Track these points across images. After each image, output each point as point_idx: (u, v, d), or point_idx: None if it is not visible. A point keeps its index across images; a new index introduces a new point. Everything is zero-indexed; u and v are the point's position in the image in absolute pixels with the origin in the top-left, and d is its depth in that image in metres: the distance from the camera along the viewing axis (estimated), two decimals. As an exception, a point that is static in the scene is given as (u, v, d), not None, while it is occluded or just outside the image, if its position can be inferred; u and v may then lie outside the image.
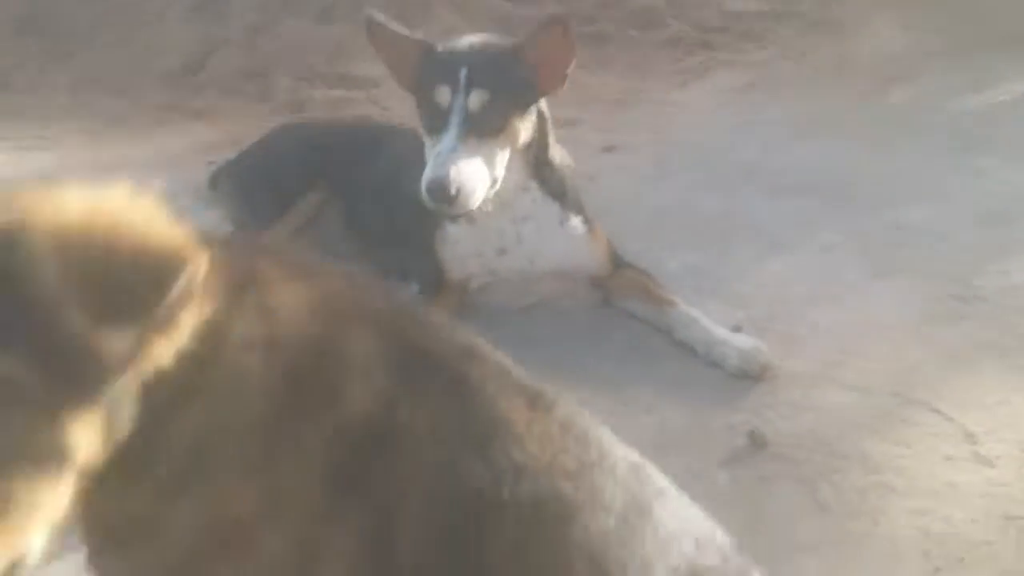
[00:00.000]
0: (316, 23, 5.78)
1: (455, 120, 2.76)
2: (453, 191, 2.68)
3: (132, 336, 1.09)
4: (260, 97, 5.29)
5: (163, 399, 1.22)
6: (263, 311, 1.30)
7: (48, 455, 1.10)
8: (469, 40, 2.96)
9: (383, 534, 1.33)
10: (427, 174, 2.74)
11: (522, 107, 2.85)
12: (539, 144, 2.98)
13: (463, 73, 2.77)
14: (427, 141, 2.86)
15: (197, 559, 1.31)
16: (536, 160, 2.98)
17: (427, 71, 2.86)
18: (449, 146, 2.73)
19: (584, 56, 2.99)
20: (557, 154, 3.11)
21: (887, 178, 4.11)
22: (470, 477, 1.36)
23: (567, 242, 3.12)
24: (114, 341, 1.08)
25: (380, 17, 2.96)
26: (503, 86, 2.79)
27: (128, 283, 1.08)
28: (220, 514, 1.29)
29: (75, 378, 1.09)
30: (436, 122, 2.80)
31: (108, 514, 1.29)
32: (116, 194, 1.16)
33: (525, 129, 2.89)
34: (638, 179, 4.26)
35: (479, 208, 2.84)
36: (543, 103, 2.97)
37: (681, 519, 1.51)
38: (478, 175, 2.76)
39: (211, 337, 1.23)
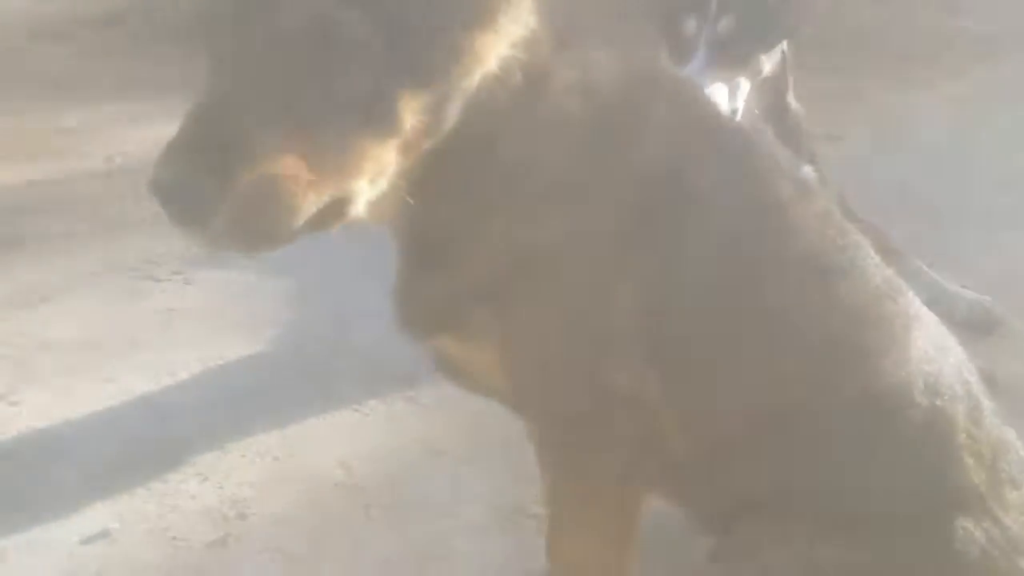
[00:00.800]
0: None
1: (702, 47, 2.85)
2: None
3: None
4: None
5: (490, 117, 1.41)
6: (582, 65, 1.49)
7: (380, 116, 1.29)
8: None
9: (670, 271, 1.49)
10: None
11: (768, 41, 2.91)
12: (778, 85, 3.03)
13: (713, 3, 2.86)
14: None
15: (502, 281, 1.48)
16: (773, 101, 3.03)
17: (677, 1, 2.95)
18: (696, 68, 2.81)
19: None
20: (793, 100, 3.16)
21: None
22: (749, 232, 1.53)
23: (798, 190, 3.14)
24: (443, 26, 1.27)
25: None
26: (752, 16, 2.85)
27: None
28: (528, 239, 1.46)
29: (410, 53, 1.28)
30: (682, 50, 2.89)
31: (427, 224, 1.48)
32: None
33: (768, 64, 2.95)
34: (860, 166, 4.28)
35: None
36: (785, 44, 3.03)
37: (925, 309, 1.68)
38: (723, 101, 2.84)
39: (538, 79, 1.43)
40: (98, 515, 2.22)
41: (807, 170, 3.18)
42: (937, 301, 3.00)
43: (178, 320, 3.13)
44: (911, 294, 1.69)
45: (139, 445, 2.46)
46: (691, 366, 1.56)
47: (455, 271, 1.50)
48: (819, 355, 1.56)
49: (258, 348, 2.98)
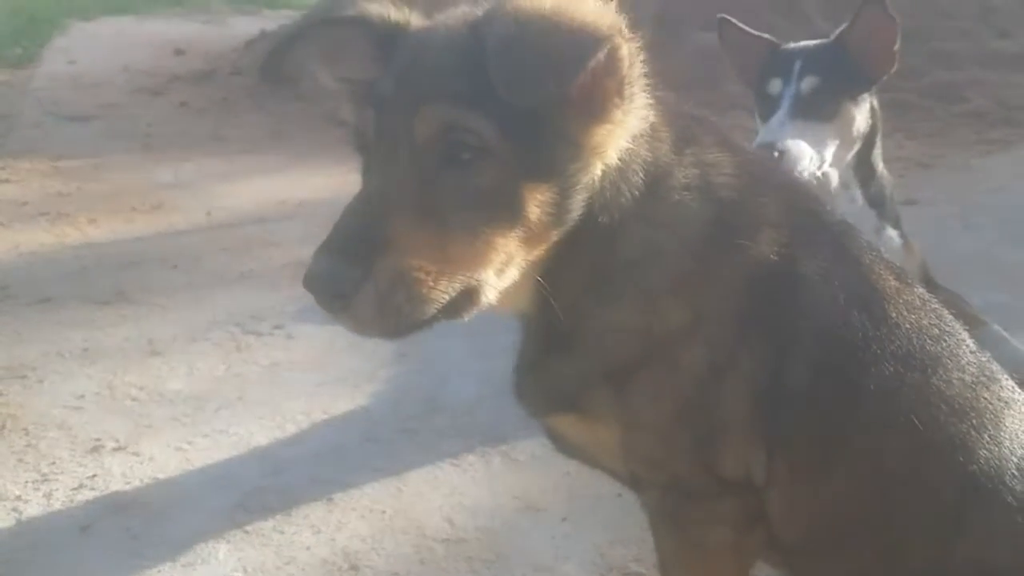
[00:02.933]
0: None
1: (785, 104, 2.97)
2: (777, 153, 2.83)
3: (571, 114, 1.42)
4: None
5: (613, 211, 1.53)
6: (700, 164, 1.61)
7: (505, 210, 1.43)
8: (807, 41, 3.19)
9: (779, 361, 1.59)
10: (756, 141, 2.94)
11: (853, 93, 3.02)
12: (867, 144, 3.12)
13: (797, 65, 2.99)
14: (760, 129, 3.07)
15: (622, 366, 1.59)
16: (860, 160, 3.10)
17: (766, 66, 3.10)
18: (779, 120, 2.94)
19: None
20: (880, 163, 3.24)
21: None
22: (854, 324, 1.61)
23: (881, 253, 3.22)
24: (562, 123, 1.42)
25: (732, 20, 3.23)
26: (833, 73, 2.96)
27: (558, 50, 1.35)
28: (651, 326, 1.57)
29: (532, 151, 1.42)
30: (768, 109, 3.03)
31: (552, 309, 1.58)
32: None
33: (859, 116, 3.04)
34: (940, 230, 4.35)
35: None
36: (876, 104, 3.12)
37: (1018, 392, 1.75)
38: (804, 148, 2.90)
39: (659, 176, 1.57)
40: (223, 565, 2.36)
41: (892, 234, 3.26)
42: (1020, 369, 3.05)
43: (283, 374, 3.28)
44: (1005, 379, 1.76)
45: (255, 496, 2.60)
46: (796, 450, 1.64)
47: (578, 354, 1.62)
48: (917, 442, 1.62)
49: (359, 403, 3.12)
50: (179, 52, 9.05)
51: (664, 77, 1.58)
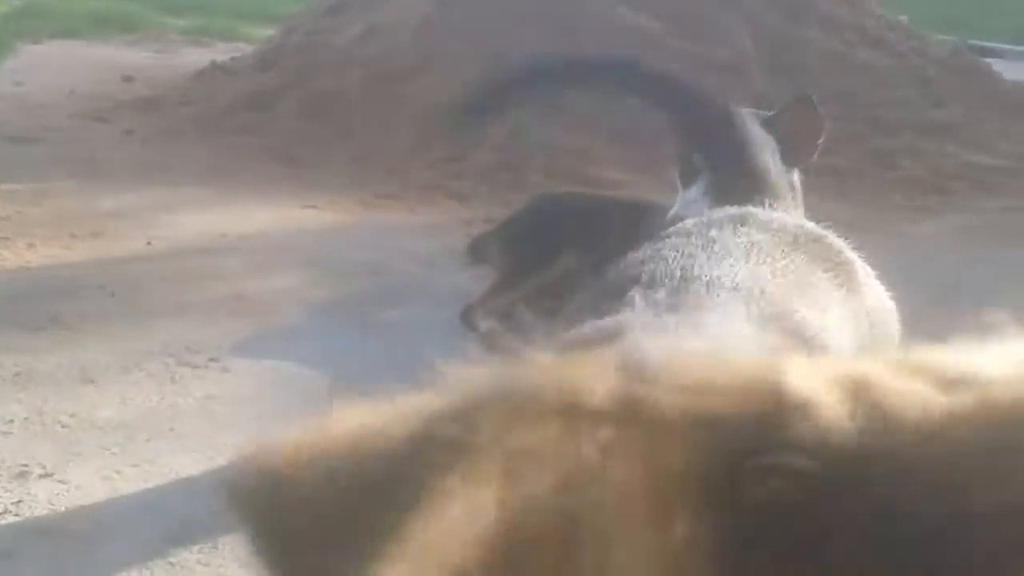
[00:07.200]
0: (565, 132, 6.27)
1: (703, 178, 3.06)
2: None
3: None
4: (512, 187, 5.76)
5: None
6: None
7: None
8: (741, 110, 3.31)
9: None
10: (670, 212, 3.00)
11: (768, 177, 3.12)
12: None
13: (721, 144, 3.09)
14: (678, 194, 3.16)
15: None
16: None
17: None
18: (693, 196, 3.02)
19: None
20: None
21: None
22: None
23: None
24: None
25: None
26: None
27: None
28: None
29: None
30: (687, 177, 3.11)
31: None
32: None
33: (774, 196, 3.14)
34: (869, 292, 4.47)
35: None
36: (796, 178, 3.23)
37: None
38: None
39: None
40: (145, 595, 2.35)
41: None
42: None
43: (216, 407, 3.28)
44: None
45: (183, 528, 2.59)
46: None
47: None
48: None
49: (291, 439, 3.12)
50: (127, 79, 8.99)
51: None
